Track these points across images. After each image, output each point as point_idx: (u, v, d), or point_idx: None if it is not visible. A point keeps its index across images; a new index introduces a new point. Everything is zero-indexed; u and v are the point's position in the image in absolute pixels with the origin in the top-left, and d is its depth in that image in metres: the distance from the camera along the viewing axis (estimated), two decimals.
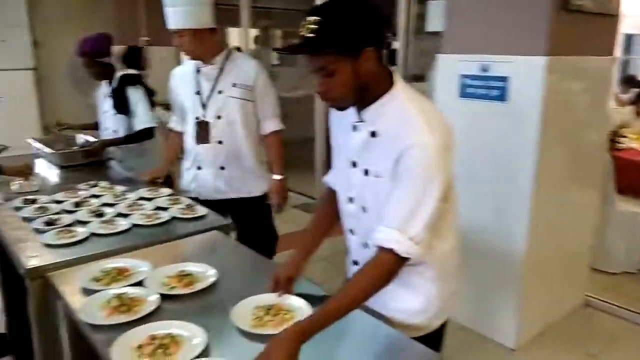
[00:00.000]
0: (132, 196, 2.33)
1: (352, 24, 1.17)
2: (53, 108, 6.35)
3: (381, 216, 1.26)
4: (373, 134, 1.30)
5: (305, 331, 1.13)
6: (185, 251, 1.86)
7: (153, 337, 1.23)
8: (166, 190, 2.44)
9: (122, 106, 3.06)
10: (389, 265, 1.22)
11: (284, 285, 1.47)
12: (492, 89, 2.57)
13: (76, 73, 5.99)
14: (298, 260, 1.54)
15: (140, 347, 1.21)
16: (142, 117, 3.02)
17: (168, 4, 2.26)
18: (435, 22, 3.11)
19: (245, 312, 1.37)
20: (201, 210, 2.18)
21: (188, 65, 2.49)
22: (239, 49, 2.49)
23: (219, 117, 2.40)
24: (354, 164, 1.37)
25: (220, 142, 2.43)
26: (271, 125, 2.48)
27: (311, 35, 1.16)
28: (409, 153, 1.20)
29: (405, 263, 1.23)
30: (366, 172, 1.33)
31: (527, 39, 2.43)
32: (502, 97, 2.55)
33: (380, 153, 1.27)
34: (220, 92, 2.38)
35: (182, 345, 1.22)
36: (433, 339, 1.44)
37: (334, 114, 1.47)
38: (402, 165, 1.21)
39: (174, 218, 2.10)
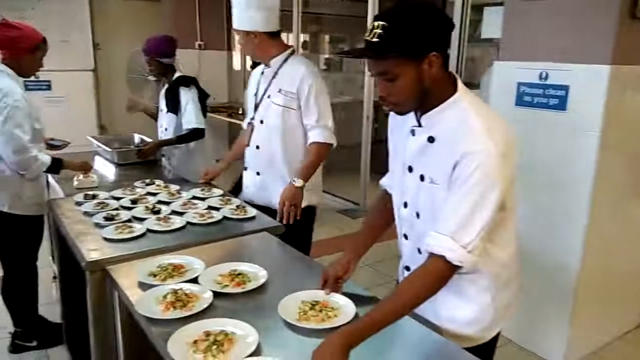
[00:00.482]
0: (186, 195, 2.39)
1: (418, 29, 1.17)
2: (109, 108, 6.61)
3: (435, 222, 1.24)
4: (431, 139, 1.29)
5: (355, 336, 1.14)
6: (236, 250, 1.90)
7: (207, 334, 1.26)
8: (218, 191, 2.49)
9: (173, 105, 3.19)
10: (440, 273, 1.20)
11: (332, 284, 1.48)
12: (551, 98, 2.50)
13: (131, 75, 6.27)
14: (348, 260, 1.54)
15: (195, 342, 1.24)
16: (190, 118, 3.11)
17: (233, 5, 2.30)
18: (491, 28, 3.05)
19: (291, 305, 1.41)
20: (251, 211, 2.22)
21: (260, 66, 2.46)
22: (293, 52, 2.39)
23: (261, 122, 2.38)
24: (410, 169, 1.36)
25: (257, 147, 2.41)
26: (313, 135, 2.30)
27: (376, 40, 1.16)
28: (467, 159, 1.17)
29: (457, 271, 1.20)
30: (422, 178, 1.32)
31: (590, 46, 2.35)
32: (561, 106, 2.47)
33: (437, 159, 1.26)
34: (268, 96, 2.35)
35: (235, 342, 1.25)
36: (483, 351, 1.41)
37: (394, 117, 1.46)
38: (460, 170, 1.19)
39: (225, 218, 2.14)
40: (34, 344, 2.75)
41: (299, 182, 2.24)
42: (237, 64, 7.63)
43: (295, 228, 2.20)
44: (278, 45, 2.32)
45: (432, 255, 1.20)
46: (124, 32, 6.61)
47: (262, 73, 2.40)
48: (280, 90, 2.30)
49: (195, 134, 3.15)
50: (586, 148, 2.44)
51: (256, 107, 2.40)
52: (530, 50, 2.60)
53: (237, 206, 2.25)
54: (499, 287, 1.39)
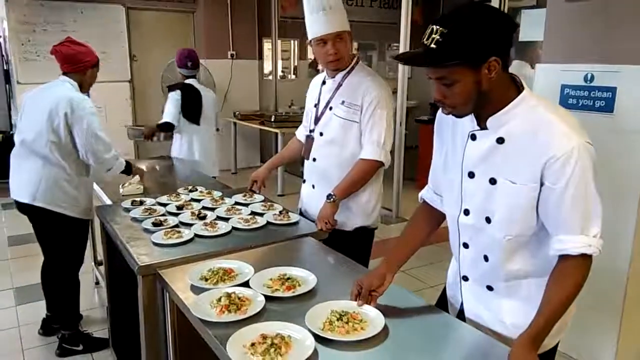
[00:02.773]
0: (228, 201, 2.43)
1: (478, 36, 1.14)
2: (145, 117, 6.76)
3: (512, 224, 1.27)
4: (500, 140, 1.26)
5: (540, 338, 1.21)
6: (282, 255, 1.90)
7: (264, 336, 1.27)
8: (259, 197, 2.52)
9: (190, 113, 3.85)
10: (585, 269, 1.24)
11: (365, 295, 1.44)
12: (597, 100, 2.44)
13: (167, 85, 6.38)
14: (383, 273, 1.48)
15: (253, 345, 1.25)
16: (166, 113, 3.80)
17: (320, 7, 2.09)
18: (531, 31, 3.01)
19: (319, 314, 1.39)
20: (294, 217, 2.23)
21: (320, 75, 2.36)
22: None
23: (321, 134, 2.26)
24: (471, 174, 1.33)
25: (314, 160, 2.31)
26: (365, 151, 2.15)
27: (434, 46, 1.14)
28: (564, 157, 1.17)
29: (590, 264, 1.25)
30: (493, 181, 1.29)
31: (638, 47, 2.29)
32: (608, 108, 2.41)
33: (513, 159, 1.24)
34: (330, 108, 2.22)
35: (292, 345, 1.25)
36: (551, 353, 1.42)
37: (440, 126, 1.45)
38: (559, 170, 1.18)
39: (268, 223, 2.16)
40: (80, 347, 2.82)
41: (330, 197, 2.14)
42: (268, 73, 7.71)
43: (348, 250, 1.98)
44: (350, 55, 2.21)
45: (566, 256, 1.23)
46: (159, 43, 6.78)
47: (324, 83, 2.29)
48: (343, 102, 2.17)
49: (167, 126, 3.80)
50: (635, 150, 2.37)
51: (317, 119, 2.29)
52: (575, 52, 2.55)
53: (280, 212, 2.27)
54: None
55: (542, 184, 1.22)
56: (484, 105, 1.24)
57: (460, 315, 1.51)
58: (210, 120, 3.99)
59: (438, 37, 1.13)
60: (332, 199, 2.14)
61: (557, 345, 1.46)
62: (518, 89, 1.26)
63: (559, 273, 1.25)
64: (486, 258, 1.37)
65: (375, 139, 2.13)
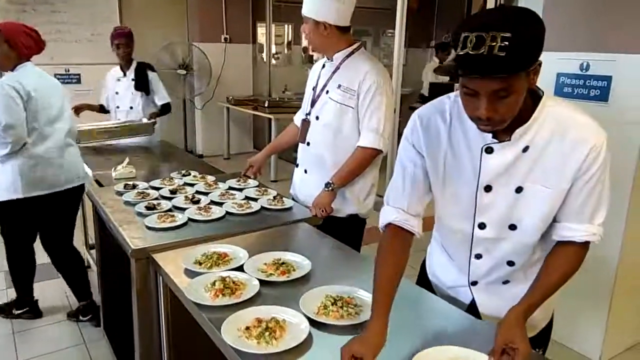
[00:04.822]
0: (222, 186, 2.41)
1: (538, 38, 1.06)
2: None
3: (564, 217, 1.26)
4: (525, 149, 1.22)
5: (530, 313, 1.21)
6: (276, 240, 1.90)
7: (259, 320, 1.27)
8: (253, 182, 2.51)
9: (143, 86, 4.00)
10: (581, 257, 1.27)
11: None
12: (592, 89, 2.45)
13: (162, 68, 6.30)
14: (381, 330, 1.19)
15: (247, 328, 1.25)
16: (164, 94, 4.06)
17: None
18: None
19: (314, 299, 1.39)
20: (288, 202, 2.23)
21: (321, 60, 2.32)
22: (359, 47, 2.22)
23: (317, 118, 2.24)
24: (488, 188, 1.27)
25: (308, 144, 2.28)
26: (364, 139, 2.12)
27: (502, 53, 1.01)
28: (594, 152, 1.18)
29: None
30: (519, 189, 1.25)
31: (635, 36, 2.29)
32: (603, 97, 2.42)
33: (541, 164, 1.21)
34: (327, 92, 2.19)
35: (287, 329, 1.26)
36: (546, 334, 1.50)
37: (429, 137, 1.32)
38: (587, 164, 1.19)
39: (263, 208, 2.16)
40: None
41: (329, 186, 2.13)
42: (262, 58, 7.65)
43: (340, 236, 1.97)
44: (346, 40, 2.16)
45: (571, 242, 1.26)
46: (152, 26, 6.68)
47: (323, 66, 2.26)
48: (339, 86, 2.14)
49: (169, 107, 4.06)
50: (629, 140, 2.39)
51: (313, 102, 2.26)
52: (571, 41, 2.55)
53: (274, 197, 2.26)
54: None
55: (576, 179, 1.21)
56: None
57: (470, 309, 1.48)
58: None
59: (501, 43, 1.01)
60: (330, 188, 2.13)
61: (549, 328, 1.49)
62: (536, 94, 1.22)
63: (561, 256, 1.27)
64: (511, 263, 1.36)
65: (374, 127, 2.10)
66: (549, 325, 1.50)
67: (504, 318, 1.18)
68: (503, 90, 1.06)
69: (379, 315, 1.21)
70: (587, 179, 1.20)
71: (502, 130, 1.17)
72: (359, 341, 1.15)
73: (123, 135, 3.62)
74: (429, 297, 1.52)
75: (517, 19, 1.03)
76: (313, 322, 1.30)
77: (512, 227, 1.29)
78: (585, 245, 1.26)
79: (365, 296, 1.42)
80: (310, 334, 1.25)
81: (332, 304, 1.36)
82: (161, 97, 4.04)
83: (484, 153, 1.24)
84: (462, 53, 1.05)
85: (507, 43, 1.00)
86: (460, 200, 1.32)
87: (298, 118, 2.47)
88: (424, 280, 1.64)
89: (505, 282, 1.41)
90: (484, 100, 1.08)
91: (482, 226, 1.32)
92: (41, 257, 2.89)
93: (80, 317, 2.94)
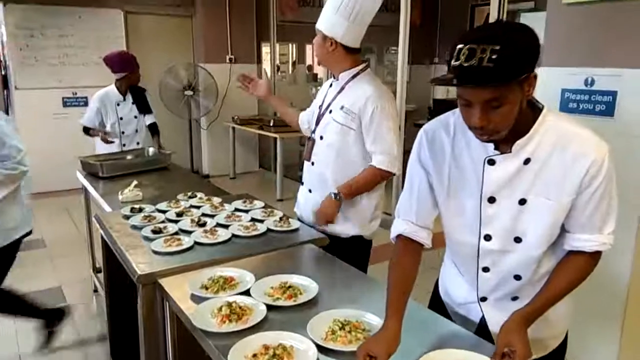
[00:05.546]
0: (228, 207, 2.41)
1: (526, 50, 1.10)
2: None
3: (573, 228, 1.28)
4: (526, 161, 1.24)
5: (532, 319, 1.25)
6: (283, 262, 1.89)
7: (267, 347, 1.26)
8: (259, 203, 2.50)
9: (145, 108, 4.08)
10: (590, 266, 1.31)
11: None
12: (597, 104, 2.44)
13: (167, 90, 6.38)
14: (395, 329, 1.25)
15: (255, 355, 1.23)
16: (154, 113, 4.16)
17: (326, 2, 2.16)
18: None
19: (321, 323, 1.38)
20: (294, 223, 2.22)
21: (330, 79, 2.34)
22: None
23: (321, 138, 2.25)
24: (492, 200, 1.30)
25: (313, 164, 2.29)
26: (376, 160, 2.13)
27: (490, 64, 1.06)
28: (595, 166, 1.20)
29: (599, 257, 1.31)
30: (522, 202, 1.26)
31: (639, 50, 2.29)
32: (608, 112, 2.41)
33: (543, 177, 1.23)
34: (330, 111, 2.21)
35: (295, 356, 1.24)
36: (561, 353, 1.50)
37: (434, 149, 1.37)
38: (588, 178, 1.21)
39: (269, 230, 2.15)
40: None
41: (335, 195, 2.15)
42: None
43: (346, 257, 1.97)
44: (352, 60, 2.17)
45: (578, 252, 1.29)
46: (158, 47, 6.78)
47: (331, 85, 2.28)
48: (342, 108, 2.15)
49: (156, 127, 4.14)
50: (635, 154, 2.36)
51: (318, 120, 2.29)
52: (575, 56, 2.54)
53: (280, 218, 2.26)
54: None
55: (579, 192, 1.23)
56: (515, 126, 1.19)
57: (481, 328, 1.47)
58: None
59: (490, 54, 1.06)
60: (337, 197, 2.15)
61: (563, 348, 1.48)
62: (535, 107, 1.25)
63: (570, 265, 1.30)
64: (517, 277, 1.36)
65: (388, 150, 2.11)
66: (563, 346, 1.48)
67: (505, 322, 1.23)
68: (495, 100, 1.11)
69: (394, 315, 1.28)
70: (592, 191, 1.22)
71: (504, 142, 1.22)
72: (374, 340, 1.22)
73: (141, 168, 3.40)
74: (438, 319, 1.50)
75: (508, 32, 1.09)
76: (321, 348, 1.28)
77: (517, 239, 1.31)
78: (595, 254, 1.29)
79: (374, 320, 1.41)
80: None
81: (340, 329, 1.34)
82: (152, 115, 4.12)
83: (486, 165, 1.28)
84: (456, 64, 1.10)
85: (495, 55, 1.05)
86: (466, 212, 1.35)
87: (304, 114, 2.48)
88: (436, 300, 1.64)
89: (514, 298, 1.40)
90: (477, 110, 1.14)
91: (487, 238, 1.34)
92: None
93: (50, 329, 2.86)
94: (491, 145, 1.26)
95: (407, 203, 1.45)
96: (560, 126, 1.23)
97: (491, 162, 1.27)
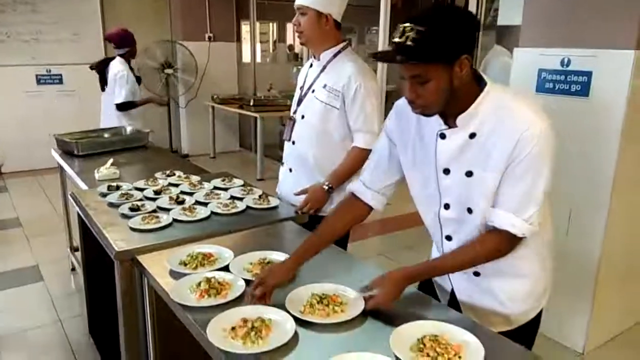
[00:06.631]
0: (207, 186, 2.40)
1: (453, 34, 1.19)
2: None
3: (495, 204, 1.31)
4: (472, 136, 1.30)
5: (413, 276, 1.37)
6: (262, 239, 1.90)
7: (245, 320, 1.27)
8: (238, 181, 2.50)
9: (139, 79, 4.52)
10: (500, 245, 1.32)
11: (268, 293, 1.39)
12: (573, 84, 2.48)
13: (143, 71, 6.25)
14: (290, 267, 1.48)
15: (233, 329, 1.25)
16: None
17: None
18: (509, 15, 3.03)
19: (300, 297, 1.40)
20: (274, 201, 2.22)
21: (309, 60, 2.33)
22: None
23: (302, 117, 2.24)
24: (447, 171, 1.37)
25: (293, 143, 2.29)
26: (355, 139, 2.15)
27: (411, 43, 1.16)
28: (524, 140, 1.22)
29: (517, 242, 1.32)
30: (469, 174, 1.32)
31: (615, 32, 2.33)
32: (583, 92, 2.45)
33: (486, 149, 1.28)
34: (313, 91, 2.20)
35: (273, 328, 1.26)
36: (531, 328, 1.52)
37: (400, 123, 1.47)
38: (518, 152, 1.24)
39: (248, 207, 2.15)
40: None
41: (327, 186, 2.14)
42: (246, 56, 7.61)
43: None
44: (339, 36, 2.18)
45: (494, 228, 1.31)
46: (135, 25, 6.55)
47: (311, 66, 2.28)
48: (325, 86, 2.15)
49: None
50: (609, 133, 2.42)
51: (300, 101, 2.27)
52: (551, 37, 2.58)
53: (260, 196, 2.26)
54: (545, 254, 1.48)
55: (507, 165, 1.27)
56: (452, 103, 1.28)
57: (452, 298, 1.54)
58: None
59: (414, 35, 1.16)
60: (330, 191, 2.14)
61: (536, 321, 1.52)
62: (481, 83, 1.30)
63: (479, 238, 1.36)
64: None
65: (370, 128, 2.11)
66: (534, 322, 1.52)
67: (390, 272, 1.37)
68: (419, 76, 1.22)
69: (295, 255, 1.49)
70: (515, 165, 1.25)
71: (451, 117, 1.31)
72: (269, 270, 1.45)
73: (118, 147, 3.33)
74: (414, 293, 1.53)
75: (438, 16, 1.20)
76: (299, 321, 1.30)
77: (469, 210, 1.37)
78: (506, 234, 1.29)
79: (352, 294, 1.42)
80: (296, 333, 1.25)
81: (318, 302, 1.36)
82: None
83: (438, 138, 1.36)
84: (392, 40, 1.21)
85: (418, 36, 1.15)
86: (428, 183, 1.42)
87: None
88: (424, 285, 1.67)
89: (476, 273, 1.45)
90: (407, 84, 1.25)
91: (447, 207, 1.42)
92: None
93: None
94: (441, 120, 1.34)
95: (367, 166, 1.60)
96: (502, 101, 1.28)
97: (442, 136, 1.35)
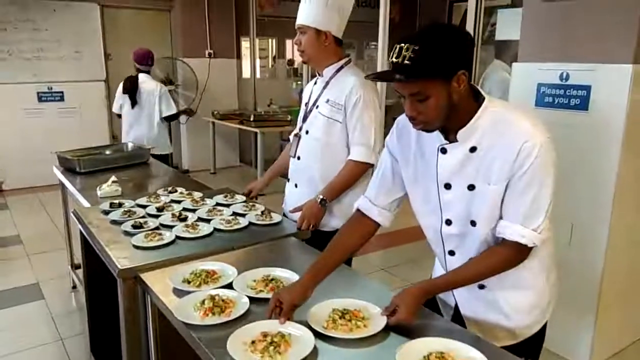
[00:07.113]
0: (209, 202, 2.40)
1: (449, 51, 1.22)
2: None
3: (502, 215, 1.32)
4: (472, 150, 1.32)
5: (430, 290, 1.38)
6: (265, 256, 1.90)
7: (265, 334, 1.27)
8: (241, 197, 2.50)
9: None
10: (511, 256, 1.34)
11: (288, 311, 1.37)
12: (572, 98, 2.50)
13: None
14: (308, 285, 1.44)
15: (253, 342, 1.25)
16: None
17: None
18: (506, 30, 3.06)
19: (322, 313, 1.40)
20: (276, 217, 2.22)
21: (314, 79, 2.35)
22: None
23: (307, 132, 2.26)
24: (448, 186, 1.38)
25: (298, 158, 2.30)
26: (351, 152, 2.15)
27: (407, 62, 1.19)
28: (524, 152, 1.24)
29: (528, 252, 1.34)
30: (471, 187, 1.34)
31: (613, 46, 2.35)
32: (582, 106, 2.47)
33: (487, 163, 1.30)
34: (317, 107, 2.23)
35: (292, 343, 1.26)
36: (536, 342, 1.51)
37: (401, 138, 1.49)
38: (519, 164, 1.26)
39: (251, 224, 2.15)
40: None
41: (320, 199, 2.13)
42: (246, 72, 7.66)
43: None
44: (340, 52, 2.21)
45: (503, 240, 1.33)
46: (136, 42, 6.64)
47: (315, 83, 2.31)
48: (328, 101, 2.17)
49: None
50: (609, 147, 2.43)
51: (305, 117, 2.30)
52: (550, 51, 2.60)
53: (262, 212, 2.26)
54: (549, 266, 1.48)
55: (510, 177, 1.29)
56: (453, 118, 1.30)
57: (456, 313, 1.54)
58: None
59: (410, 54, 1.19)
60: (324, 203, 2.13)
61: (541, 335, 1.51)
62: (479, 98, 1.33)
63: (490, 250, 1.37)
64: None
65: (365, 141, 2.12)
66: (539, 336, 1.51)
67: (406, 287, 1.37)
68: (418, 93, 1.24)
69: (310, 273, 1.46)
70: (519, 176, 1.27)
71: (452, 132, 1.33)
72: (286, 290, 1.43)
73: (119, 163, 3.35)
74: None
75: (432, 34, 1.23)
76: (321, 337, 1.30)
77: (473, 223, 1.38)
78: (517, 245, 1.31)
79: (373, 308, 1.42)
80: (315, 348, 1.25)
81: (340, 318, 1.37)
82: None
83: (439, 153, 1.38)
84: (389, 60, 1.24)
85: (414, 54, 1.19)
86: (429, 198, 1.44)
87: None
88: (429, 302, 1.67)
89: (481, 286, 1.45)
90: (407, 102, 1.28)
91: (448, 222, 1.43)
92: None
93: None
94: (442, 135, 1.36)
95: (372, 183, 1.61)
96: (501, 115, 1.30)
97: (443, 150, 1.37)
